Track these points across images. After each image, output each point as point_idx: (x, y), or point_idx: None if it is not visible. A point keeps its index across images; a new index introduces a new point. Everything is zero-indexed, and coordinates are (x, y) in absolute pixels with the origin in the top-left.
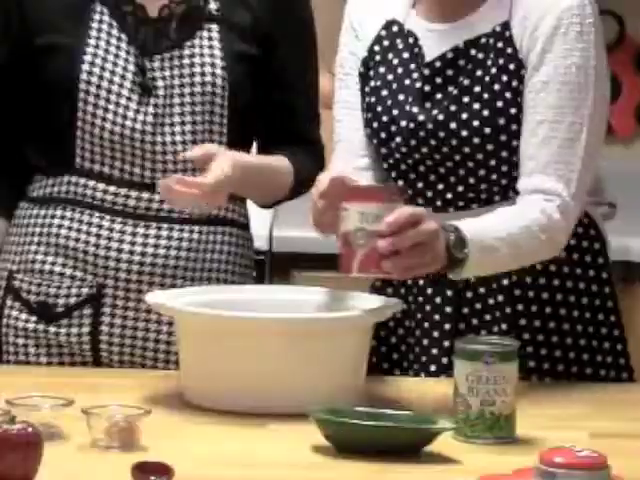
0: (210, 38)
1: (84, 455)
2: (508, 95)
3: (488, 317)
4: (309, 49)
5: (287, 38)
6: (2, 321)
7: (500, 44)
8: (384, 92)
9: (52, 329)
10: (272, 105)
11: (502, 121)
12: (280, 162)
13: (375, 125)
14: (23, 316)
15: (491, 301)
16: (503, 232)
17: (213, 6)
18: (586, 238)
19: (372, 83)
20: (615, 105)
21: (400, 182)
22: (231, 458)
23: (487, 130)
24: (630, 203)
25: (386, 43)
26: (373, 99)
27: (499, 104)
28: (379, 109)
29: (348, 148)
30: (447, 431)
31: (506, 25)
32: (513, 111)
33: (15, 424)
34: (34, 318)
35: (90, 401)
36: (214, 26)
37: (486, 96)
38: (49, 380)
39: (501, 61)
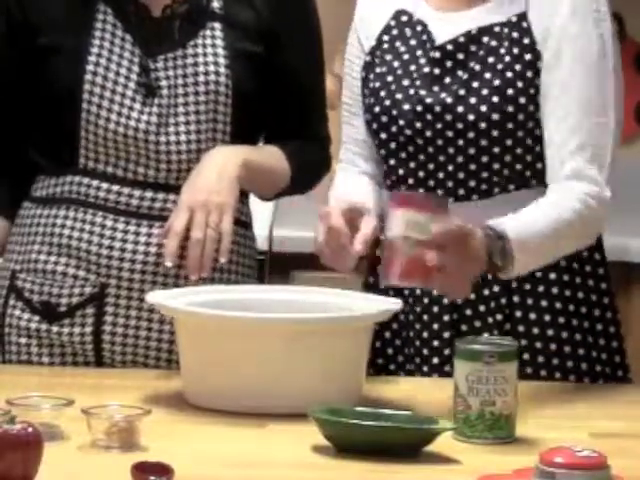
0: (213, 37)
1: (84, 455)
2: (520, 84)
3: (483, 308)
4: (314, 45)
5: (291, 35)
6: (5, 320)
7: (516, 34)
8: (389, 78)
9: (55, 329)
10: (277, 102)
11: (511, 109)
12: (276, 157)
13: (377, 109)
14: (26, 316)
15: (486, 292)
16: (546, 230)
17: (216, 5)
18: None
19: (377, 69)
20: None
21: (401, 171)
22: (231, 458)
23: (495, 116)
24: (630, 203)
25: (395, 32)
26: (377, 84)
27: (510, 92)
28: (382, 94)
29: (353, 150)
30: (447, 431)
31: (523, 16)
32: (522, 100)
33: (15, 424)
34: (37, 318)
35: (91, 401)
36: (217, 25)
37: (497, 83)
38: (51, 380)
39: (516, 50)
